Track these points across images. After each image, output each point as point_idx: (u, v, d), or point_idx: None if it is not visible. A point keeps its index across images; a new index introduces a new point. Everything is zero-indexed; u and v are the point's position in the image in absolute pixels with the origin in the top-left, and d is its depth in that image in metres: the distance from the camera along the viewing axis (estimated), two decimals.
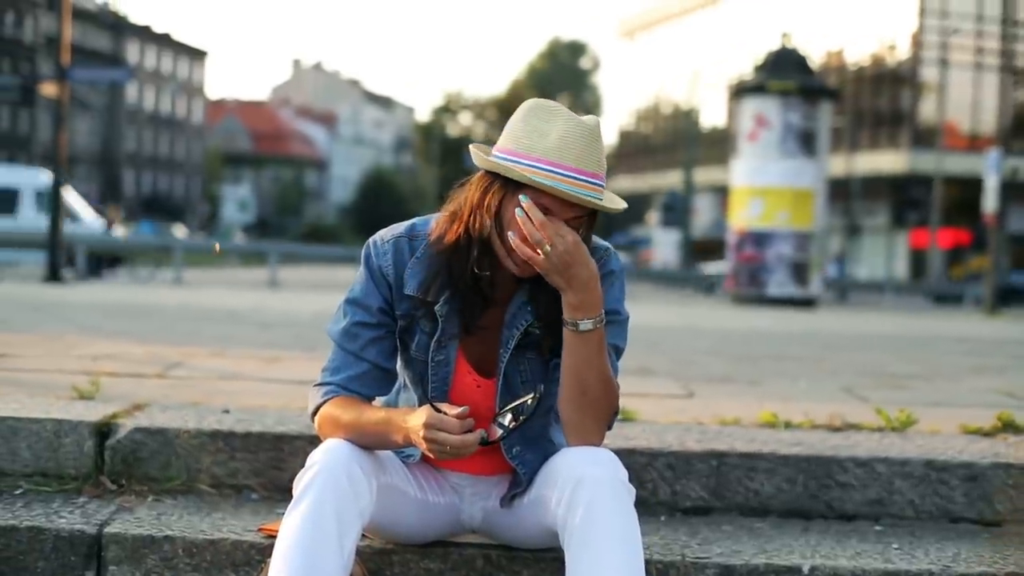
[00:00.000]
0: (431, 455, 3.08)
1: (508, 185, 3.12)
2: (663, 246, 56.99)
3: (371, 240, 3.37)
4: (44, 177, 34.24)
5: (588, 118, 3.17)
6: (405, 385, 3.45)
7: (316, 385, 3.36)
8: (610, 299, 3.30)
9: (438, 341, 3.30)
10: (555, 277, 3.12)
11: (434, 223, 3.32)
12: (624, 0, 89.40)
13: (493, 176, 3.15)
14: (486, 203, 3.14)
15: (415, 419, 3.08)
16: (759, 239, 26.99)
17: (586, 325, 3.16)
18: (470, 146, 3.24)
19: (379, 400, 3.40)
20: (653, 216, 64.47)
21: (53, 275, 23.99)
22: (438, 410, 3.06)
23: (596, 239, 3.32)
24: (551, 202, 3.09)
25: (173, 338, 9.04)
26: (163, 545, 3.68)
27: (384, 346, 3.34)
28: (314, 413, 3.33)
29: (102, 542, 3.70)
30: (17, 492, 4.10)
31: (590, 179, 3.10)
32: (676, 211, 56.91)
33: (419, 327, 3.32)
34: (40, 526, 3.73)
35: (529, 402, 3.15)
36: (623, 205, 3.22)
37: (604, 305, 3.23)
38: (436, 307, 3.27)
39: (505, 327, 3.31)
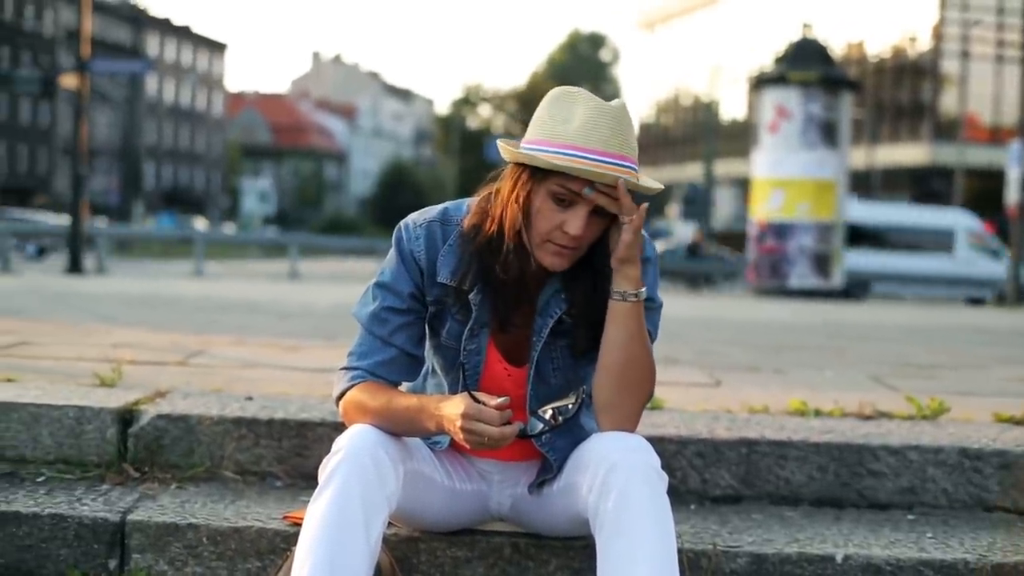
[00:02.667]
0: (466, 445, 3.02)
1: (536, 175, 3.06)
2: (684, 239, 56.82)
3: (403, 223, 3.30)
4: (974, 220, 34.40)
5: (614, 101, 3.11)
6: (433, 371, 3.40)
7: (342, 369, 3.30)
8: (647, 286, 3.24)
9: (470, 330, 3.25)
10: (631, 251, 3.10)
11: (467, 208, 3.27)
12: None
13: (521, 168, 3.10)
14: (515, 195, 3.09)
15: (451, 407, 3.02)
16: (780, 231, 26.85)
17: (642, 294, 3.14)
18: (498, 141, 3.19)
19: (405, 386, 3.35)
20: (673, 209, 64.30)
21: (74, 265, 24.08)
22: (477, 400, 3.00)
23: None
24: (583, 185, 3.03)
25: (193, 327, 9.00)
26: (187, 533, 3.63)
27: (413, 332, 3.28)
28: (339, 397, 3.27)
29: (125, 530, 3.66)
30: (39, 479, 4.06)
31: (618, 161, 3.03)
32: (696, 203, 56.78)
33: (450, 314, 3.26)
34: (63, 513, 3.69)
35: (571, 405, 3.11)
36: (659, 186, 3.16)
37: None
38: (470, 295, 3.21)
39: (538, 315, 3.25)
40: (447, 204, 3.33)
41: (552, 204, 3.05)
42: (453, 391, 3.29)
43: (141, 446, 4.18)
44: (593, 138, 3.02)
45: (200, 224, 66.84)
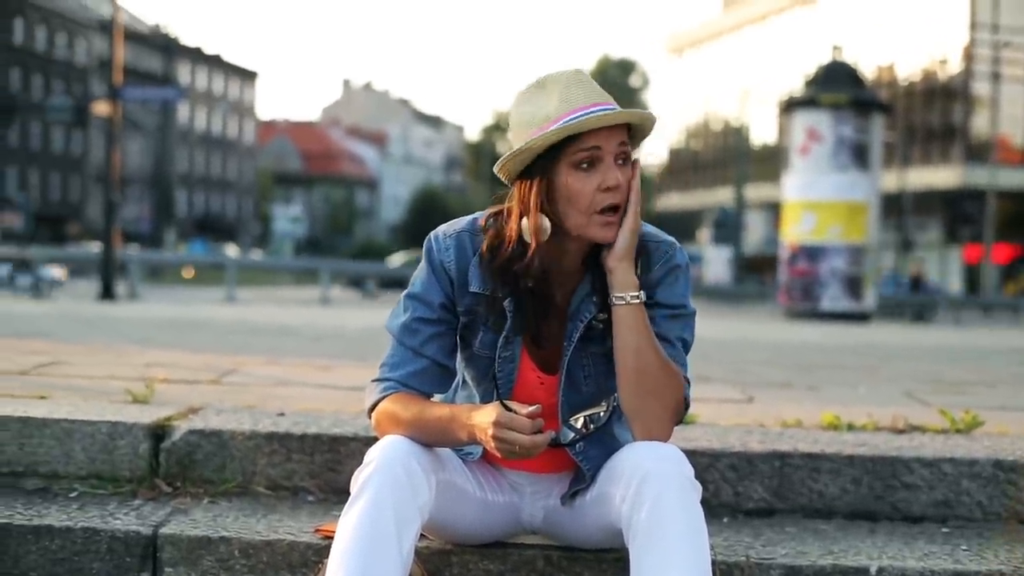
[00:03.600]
0: (498, 454, 3.00)
1: (546, 167, 3.08)
2: (715, 263, 56.80)
3: (433, 234, 3.30)
4: None
5: (572, 68, 3.16)
6: (464, 383, 3.39)
7: (374, 381, 3.29)
8: (677, 293, 3.25)
9: (505, 337, 3.24)
10: (631, 239, 3.11)
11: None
12: (673, 17, 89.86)
13: (527, 175, 3.11)
14: (532, 201, 3.09)
15: (482, 416, 3.01)
16: (812, 253, 26.81)
17: (642, 296, 3.14)
18: (494, 169, 3.20)
19: (437, 397, 3.34)
20: (704, 233, 64.30)
21: (106, 292, 24.18)
22: (508, 408, 2.99)
23: (661, 233, 3.27)
24: (597, 138, 3.05)
25: (226, 349, 9.02)
26: (219, 546, 3.64)
27: (444, 343, 3.28)
28: (371, 409, 3.26)
29: (157, 543, 3.66)
30: (72, 494, 4.08)
31: (608, 107, 3.09)
32: (727, 227, 56.79)
33: (482, 323, 3.26)
34: (95, 527, 3.70)
35: (602, 413, 3.11)
36: (654, 115, 3.19)
37: (672, 299, 3.24)
38: (505, 303, 3.21)
39: (568, 320, 3.25)
40: (476, 214, 3.33)
41: (579, 174, 3.06)
42: (485, 402, 3.28)
43: (173, 461, 4.19)
44: (580, 99, 3.07)
45: (232, 251, 67.08)
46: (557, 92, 3.07)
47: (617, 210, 3.09)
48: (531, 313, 3.21)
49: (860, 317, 26.45)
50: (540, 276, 3.16)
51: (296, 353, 8.94)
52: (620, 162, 3.09)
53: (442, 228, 3.32)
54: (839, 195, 26.51)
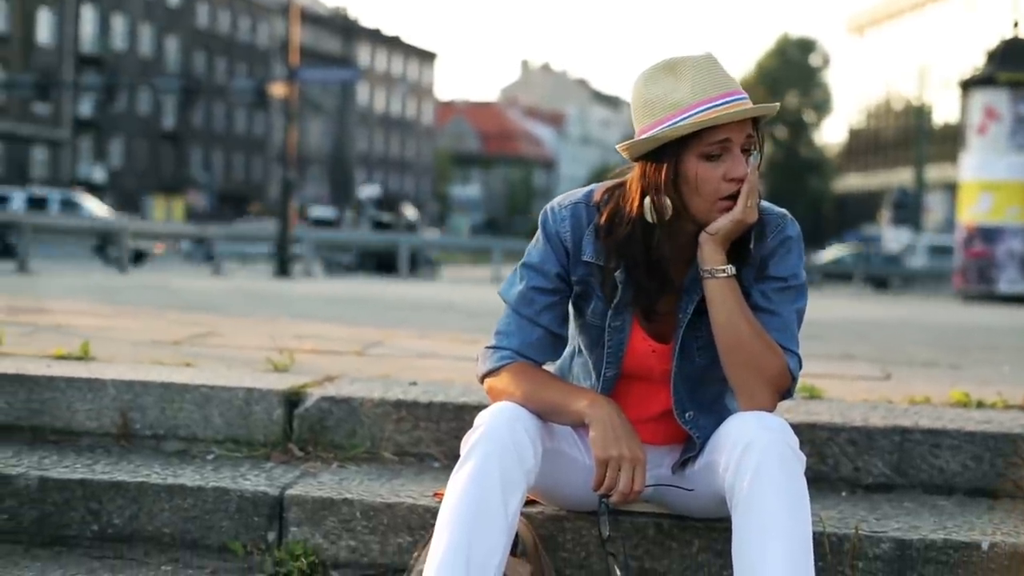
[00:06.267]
0: (596, 444, 3.12)
1: (674, 153, 3.10)
2: (894, 244, 55.92)
3: (548, 206, 3.37)
4: None
5: (703, 52, 3.18)
6: (579, 351, 3.45)
7: (488, 347, 3.38)
8: (790, 264, 3.28)
9: (615, 307, 3.30)
10: (731, 226, 3.14)
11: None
12: None
13: (653, 158, 3.15)
14: (658, 183, 3.13)
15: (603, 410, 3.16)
16: (988, 234, 26.21)
17: (730, 270, 3.18)
18: (617, 147, 3.25)
19: (551, 365, 3.43)
20: (884, 214, 63.34)
21: (281, 269, 24.65)
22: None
23: (774, 207, 3.31)
24: (728, 130, 3.08)
25: (381, 323, 9.20)
26: (342, 507, 3.77)
27: (558, 312, 3.34)
28: (486, 375, 3.36)
29: (284, 503, 3.81)
30: (209, 457, 4.26)
31: (740, 96, 3.10)
32: (907, 209, 55.87)
33: (595, 293, 3.32)
34: (225, 487, 3.86)
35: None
36: (776, 104, 3.21)
37: (784, 271, 3.28)
38: (616, 273, 3.27)
39: (684, 292, 3.29)
40: (592, 186, 3.39)
41: (707, 164, 3.09)
42: (597, 368, 3.35)
43: (305, 427, 4.33)
44: (711, 86, 3.09)
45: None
46: (689, 78, 3.09)
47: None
48: (646, 286, 3.27)
49: None
50: (659, 252, 3.22)
51: (450, 327, 9.08)
52: (745, 151, 3.14)
53: (557, 200, 3.39)
54: (1017, 175, 25.87)
